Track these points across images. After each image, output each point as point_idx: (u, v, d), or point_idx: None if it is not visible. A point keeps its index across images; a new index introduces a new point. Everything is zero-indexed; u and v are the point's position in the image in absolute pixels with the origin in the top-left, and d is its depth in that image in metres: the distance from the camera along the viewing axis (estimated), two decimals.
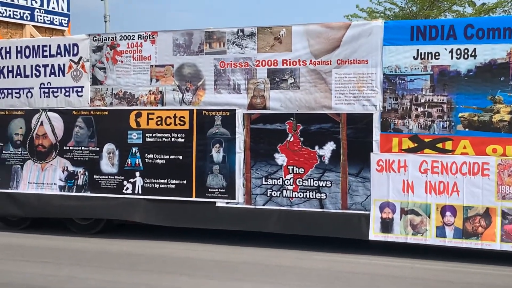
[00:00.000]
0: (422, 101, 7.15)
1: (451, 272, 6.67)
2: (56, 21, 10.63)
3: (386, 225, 7.23)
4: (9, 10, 9.63)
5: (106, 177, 8.50)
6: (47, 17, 10.43)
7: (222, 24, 7.97)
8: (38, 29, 10.49)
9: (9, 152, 9.06)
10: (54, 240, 8.54)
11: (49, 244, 8.28)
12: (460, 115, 7.02)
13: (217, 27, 8.10)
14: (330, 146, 7.49)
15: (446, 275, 6.55)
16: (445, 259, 7.10)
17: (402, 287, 6.22)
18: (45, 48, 8.87)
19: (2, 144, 9.11)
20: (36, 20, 10.28)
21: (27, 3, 10.05)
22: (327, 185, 7.50)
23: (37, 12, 10.19)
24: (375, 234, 7.27)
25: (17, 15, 9.81)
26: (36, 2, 10.19)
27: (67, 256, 7.51)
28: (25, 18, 10.04)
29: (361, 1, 21.22)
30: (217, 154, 8.00)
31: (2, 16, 9.65)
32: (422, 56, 7.12)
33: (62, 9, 10.79)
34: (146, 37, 8.33)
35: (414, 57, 7.15)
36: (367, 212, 7.34)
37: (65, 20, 10.89)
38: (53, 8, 10.48)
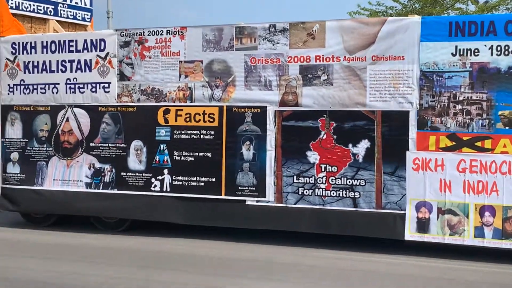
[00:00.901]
0: (461, 98, 7.00)
1: (455, 270, 6.60)
2: (79, 16, 10.54)
3: (422, 225, 7.09)
4: (33, 5, 9.54)
5: (134, 174, 8.39)
6: (70, 12, 10.35)
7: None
8: (61, 24, 10.35)
9: (33, 148, 8.96)
10: (58, 236, 8.57)
11: (53, 240, 8.32)
12: (500, 113, 6.86)
13: (248, 22, 7.95)
14: (364, 144, 7.35)
15: (449, 273, 6.49)
16: (448, 257, 7.04)
17: (404, 284, 6.18)
18: (71, 43, 8.75)
19: (27, 140, 9.01)
20: (59, 15, 10.19)
21: None
22: (361, 184, 7.36)
23: (60, 7, 10.10)
24: (411, 234, 7.13)
25: (41, 10, 9.72)
26: None
27: (69, 252, 7.52)
28: (49, 13, 9.95)
29: (361, 1, 21.09)
30: (247, 152, 7.87)
31: (26, 11, 9.53)
32: (461, 53, 6.97)
33: (85, 4, 10.71)
34: (175, 33, 8.21)
35: (452, 53, 7.00)
36: (402, 212, 7.19)
37: (87, 15, 10.80)
38: (76, 2, 10.39)
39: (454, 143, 7.01)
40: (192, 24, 8.14)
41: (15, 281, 6.13)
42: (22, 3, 9.27)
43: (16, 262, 6.99)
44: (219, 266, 6.83)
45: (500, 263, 6.84)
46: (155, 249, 7.69)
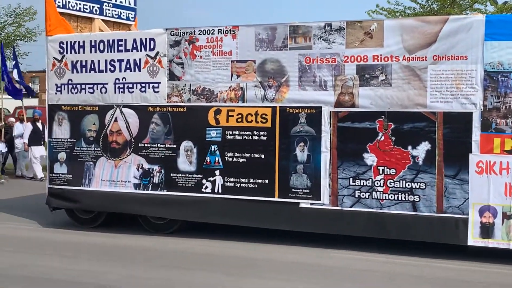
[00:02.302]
0: None
1: (471, 272, 6.60)
2: (123, 15, 10.45)
3: (486, 230, 6.88)
4: (79, 4, 9.46)
5: (184, 175, 8.27)
6: (115, 11, 10.25)
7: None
8: (105, 23, 10.31)
9: (81, 148, 8.90)
10: (73, 234, 8.63)
11: (68, 238, 8.36)
12: None
13: (302, 21, 7.79)
14: (424, 146, 7.15)
15: (465, 275, 6.50)
16: (463, 259, 7.00)
17: (420, 285, 6.14)
18: (120, 43, 8.66)
19: (74, 140, 8.96)
20: (104, 14, 10.09)
21: None
22: (421, 187, 7.16)
23: (105, 6, 10.01)
24: (474, 239, 6.92)
25: (86, 9, 9.64)
26: None
27: (86, 250, 7.60)
28: (94, 12, 9.86)
29: (380, 0, 20.89)
30: (301, 153, 7.71)
31: (72, 10, 9.44)
32: None
33: (129, 3, 10.60)
34: (226, 32, 8.07)
35: None
36: (465, 216, 6.98)
37: (131, 14, 10.70)
38: (120, 2, 10.29)
39: None
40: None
41: (47, 281, 6.29)
42: (69, 2, 9.21)
43: (46, 261, 7.13)
44: (234, 266, 6.88)
45: None
46: (171, 249, 7.75)
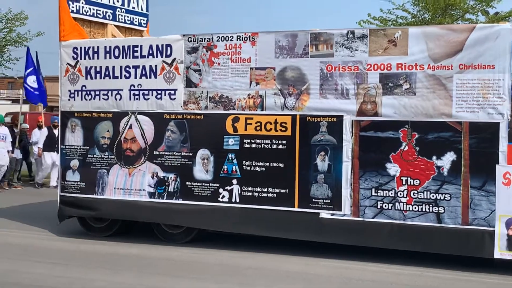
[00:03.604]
0: None
1: (462, 281, 6.59)
2: (135, 21, 10.32)
3: None
4: (93, 9, 9.32)
5: (200, 184, 8.11)
6: (127, 16, 10.12)
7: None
8: (118, 28, 10.18)
9: (94, 155, 8.74)
10: (66, 242, 8.54)
11: (59, 246, 8.27)
12: None
13: (324, 28, 7.66)
14: (449, 157, 7.01)
15: (456, 284, 6.47)
16: (455, 268, 6.98)
17: None
18: (135, 49, 8.52)
19: (88, 148, 8.80)
20: (117, 19, 9.95)
21: (109, 2, 9.72)
22: (446, 198, 7.01)
23: (118, 11, 9.88)
24: (501, 252, 6.78)
25: (100, 14, 9.50)
26: (118, 1, 9.87)
27: (76, 258, 7.54)
28: (108, 18, 9.73)
29: (372, 9, 21.03)
30: (322, 163, 7.56)
31: (86, 15, 9.31)
32: None
33: (142, 9, 10.48)
34: (245, 38, 7.94)
35: None
36: (491, 229, 6.84)
37: (144, 20, 10.58)
38: (133, 7, 10.17)
39: None
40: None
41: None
42: (83, 7, 9.07)
43: (37, 268, 7.09)
44: (222, 274, 6.82)
45: None
46: (161, 256, 7.75)
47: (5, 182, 14.38)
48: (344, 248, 7.50)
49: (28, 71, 13.12)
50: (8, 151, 14.00)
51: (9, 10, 23.00)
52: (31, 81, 13.23)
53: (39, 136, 14.92)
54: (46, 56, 14.99)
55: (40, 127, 15.22)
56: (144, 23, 10.62)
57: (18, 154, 14.76)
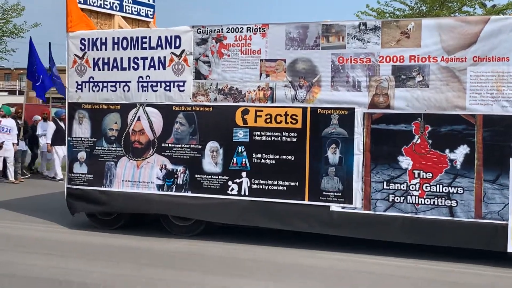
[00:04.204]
0: None
1: (456, 273, 6.59)
2: (142, 12, 10.23)
3: None
4: (100, 0, 9.20)
5: (209, 176, 8.04)
6: (134, 7, 10.03)
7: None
8: (124, 19, 10.08)
9: (102, 148, 8.67)
10: (61, 233, 8.52)
11: (54, 237, 8.25)
12: None
13: (335, 20, 7.58)
14: (462, 150, 6.94)
15: (450, 275, 6.51)
16: (450, 260, 6.97)
17: (406, 286, 6.13)
18: (144, 40, 8.44)
19: (95, 140, 8.72)
20: (124, 10, 9.85)
21: None
22: (459, 192, 6.95)
23: (125, 2, 9.79)
24: None
25: (107, 5, 9.41)
26: None
27: (72, 249, 7.52)
28: (114, 8, 9.64)
29: (370, 1, 21.09)
30: (333, 155, 7.50)
31: (93, 6, 9.21)
32: None
33: (148, 0, 10.34)
34: (256, 30, 7.86)
35: None
36: (504, 222, 6.79)
37: (150, 11, 10.49)
38: None
39: None
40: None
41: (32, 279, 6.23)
42: None
43: (32, 260, 7.05)
44: (218, 265, 6.84)
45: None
46: (158, 248, 7.74)
47: (19, 174, 14.33)
48: (338, 241, 7.54)
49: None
50: (13, 144, 13.94)
51: (5, 1, 22.86)
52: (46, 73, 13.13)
53: (46, 128, 14.83)
54: (46, 48, 14.85)
55: (45, 119, 15.14)
56: (151, 14, 10.54)
57: (22, 146, 14.68)
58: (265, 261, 7.03)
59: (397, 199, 7.20)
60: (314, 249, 7.53)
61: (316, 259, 7.16)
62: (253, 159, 7.83)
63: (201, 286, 6.09)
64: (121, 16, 9.96)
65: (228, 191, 7.93)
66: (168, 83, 8.27)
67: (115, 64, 8.58)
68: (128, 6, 10.02)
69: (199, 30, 8.14)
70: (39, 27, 22.92)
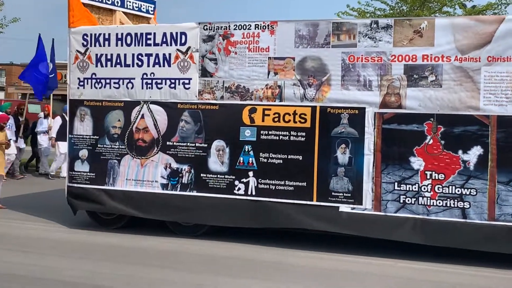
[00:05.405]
0: None
1: (434, 272, 6.56)
2: (143, 8, 10.06)
3: None
4: None
5: (215, 176, 7.89)
6: (135, 3, 9.86)
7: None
8: (126, 15, 9.90)
9: (104, 145, 8.49)
10: (37, 230, 8.42)
11: (32, 234, 8.15)
12: None
13: (346, 18, 7.43)
14: (476, 151, 6.84)
15: (428, 275, 6.46)
16: (427, 260, 6.98)
17: (385, 285, 6.13)
18: (148, 36, 8.26)
19: (98, 137, 8.54)
20: (125, 6, 9.67)
21: None
22: (472, 193, 6.85)
23: None
24: None
25: (108, 1, 9.21)
26: None
27: (50, 247, 7.38)
28: (116, 4, 9.47)
29: (350, 1, 21.08)
30: (342, 156, 7.37)
31: (95, 1, 9.02)
32: None
33: None
34: (264, 27, 7.71)
35: None
36: None
37: (151, 7, 10.31)
38: None
39: None
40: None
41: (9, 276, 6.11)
42: None
43: (10, 257, 6.95)
44: (199, 263, 6.79)
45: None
46: (139, 246, 7.68)
47: (17, 171, 14.10)
48: (319, 240, 7.60)
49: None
50: (10, 140, 13.67)
51: None
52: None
53: (46, 125, 14.57)
54: (25, 43, 14.49)
55: (46, 116, 14.87)
56: (151, 10, 10.37)
57: (21, 144, 14.40)
58: (246, 259, 7.00)
59: (408, 200, 7.10)
60: (294, 248, 7.48)
61: (297, 257, 7.13)
62: (260, 158, 7.69)
63: (175, 283, 6.03)
64: (122, 12, 9.76)
65: (234, 191, 7.78)
66: (173, 81, 8.10)
67: (118, 61, 8.40)
68: (130, 2, 9.85)
69: (205, 27, 7.98)
70: (18, 21, 22.36)
